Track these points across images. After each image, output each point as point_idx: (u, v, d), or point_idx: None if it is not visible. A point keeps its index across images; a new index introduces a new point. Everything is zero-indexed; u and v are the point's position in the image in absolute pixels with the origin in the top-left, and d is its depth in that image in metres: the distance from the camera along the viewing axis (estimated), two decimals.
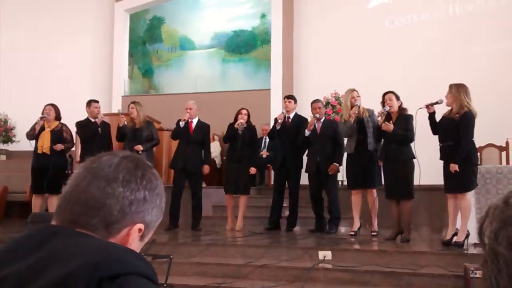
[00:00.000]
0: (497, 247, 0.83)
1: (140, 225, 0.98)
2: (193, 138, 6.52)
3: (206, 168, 6.56)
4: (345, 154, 6.04)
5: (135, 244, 0.98)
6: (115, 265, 0.82)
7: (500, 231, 0.83)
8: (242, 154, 6.41)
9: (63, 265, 0.82)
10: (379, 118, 5.52)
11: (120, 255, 0.86)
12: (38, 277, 0.82)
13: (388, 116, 5.51)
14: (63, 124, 6.71)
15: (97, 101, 6.90)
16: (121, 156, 1.00)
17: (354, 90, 5.95)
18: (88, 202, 0.94)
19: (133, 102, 6.83)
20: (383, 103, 5.54)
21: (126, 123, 6.65)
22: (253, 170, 6.49)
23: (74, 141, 7.00)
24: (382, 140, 5.63)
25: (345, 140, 6.08)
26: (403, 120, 5.40)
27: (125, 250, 0.90)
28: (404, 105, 5.56)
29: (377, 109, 5.71)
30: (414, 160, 5.35)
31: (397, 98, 5.50)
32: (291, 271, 4.61)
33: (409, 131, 5.34)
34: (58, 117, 6.70)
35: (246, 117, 6.49)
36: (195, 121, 6.65)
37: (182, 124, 6.49)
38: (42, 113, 6.58)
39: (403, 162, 5.33)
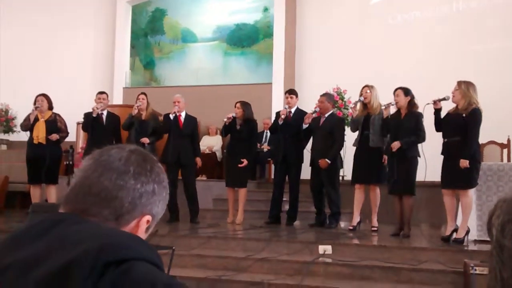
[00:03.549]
0: (502, 240, 0.83)
1: (148, 217, 1.01)
2: (183, 131, 6.56)
3: (198, 160, 6.69)
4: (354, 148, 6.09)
5: (142, 235, 1.00)
6: (120, 250, 0.83)
7: (506, 224, 0.83)
8: (240, 148, 6.45)
9: (68, 250, 0.82)
10: (384, 111, 5.56)
11: (125, 240, 0.87)
12: (43, 262, 0.83)
13: (397, 112, 5.54)
14: (56, 114, 6.72)
15: (102, 93, 6.87)
16: (128, 150, 1.03)
17: (365, 86, 5.99)
18: (100, 193, 0.96)
19: (143, 93, 6.82)
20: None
21: (135, 112, 6.61)
22: (244, 162, 6.42)
23: (68, 131, 6.97)
24: (388, 135, 5.62)
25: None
26: (413, 118, 5.39)
27: (130, 236, 0.91)
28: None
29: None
30: (419, 158, 5.37)
31: (406, 94, 5.49)
32: (291, 264, 4.63)
33: (420, 131, 5.34)
34: (50, 107, 6.71)
35: (238, 110, 6.50)
36: (183, 114, 6.69)
37: (172, 116, 6.51)
38: (35, 104, 6.58)
39: (407, 160, 5.35)
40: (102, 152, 1.01)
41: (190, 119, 6.73)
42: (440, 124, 5.19)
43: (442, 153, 5.13)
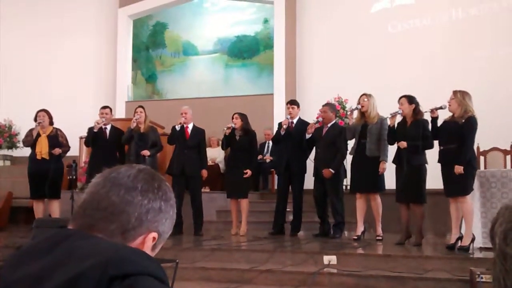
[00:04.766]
0: (505, 248, 0.83)
1: (155, 234, 1.02)
2: (189, 143, 6.56)
3: (204, 172, 6.66)
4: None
5: (148, 253, 1.01)
6: (125, 265, 0.84)
7: (509, 232, 0.83)
8: (241, 159, 6.45)
9: (75, 264, 0.84)
10: (389, 121, 5.58)
11: (130, 255, 0.87)
12: (50, 277, 0.84)
13: (403, 120, 5.56)
14: (57, 129, 6.77)
15: (105, 107, 6.93)
16: (137, 168, 1.05)
17: (363, 94, 5.98)
18: (108, 208, 0.98)
19: (141, 106, 6.86)
20: None
21: (133, 125, 6.65)
22: (248, 173, 6.44)
23: (71, 145, 7.00)
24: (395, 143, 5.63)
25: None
26: (419, 125, 5.43)
27: (136, 251, 0.92)
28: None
29: (383, 113, 5.78)
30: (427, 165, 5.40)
31: (410, 102, 5.53)
32: (296, 275, 4.61)
33: (428, 138, 5.38)
34: (51, 122, 6.76)
35: (237, 121, 6.51)
36: (190, 126, 6.71)
37: (177, 127, 6.52)
38: (36, 120, 6.62)
39: (415, 167, 5.36)
40: (111, 170, 1.04)
41: (197, 130, 6.74)
42: (437, 132, 5.23)
43: (439, 161, 5.16)
